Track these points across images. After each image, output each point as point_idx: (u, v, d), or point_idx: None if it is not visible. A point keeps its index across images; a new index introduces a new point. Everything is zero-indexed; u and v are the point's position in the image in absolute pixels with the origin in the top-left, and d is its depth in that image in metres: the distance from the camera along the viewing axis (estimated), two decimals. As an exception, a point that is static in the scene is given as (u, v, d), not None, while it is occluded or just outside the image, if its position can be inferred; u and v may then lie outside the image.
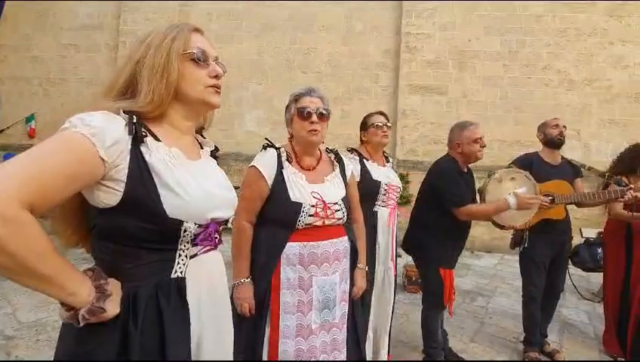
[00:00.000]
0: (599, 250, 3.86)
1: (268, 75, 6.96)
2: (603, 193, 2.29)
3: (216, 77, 0.87)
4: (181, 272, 0.80)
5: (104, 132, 0.71)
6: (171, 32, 0.84)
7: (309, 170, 1.54)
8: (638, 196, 2.14)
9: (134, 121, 0.76)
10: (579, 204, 2.51)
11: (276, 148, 1.51)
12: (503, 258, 5.36)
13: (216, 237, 0.89)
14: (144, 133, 0.77)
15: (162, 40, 0.83)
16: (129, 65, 0.82)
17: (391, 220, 2.08)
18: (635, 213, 2.25)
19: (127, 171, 0.73)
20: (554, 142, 2.57)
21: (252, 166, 1.49)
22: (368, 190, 1.96)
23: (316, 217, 1.41)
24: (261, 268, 1.42)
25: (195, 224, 0.80)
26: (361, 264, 1.64)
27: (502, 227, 2.21)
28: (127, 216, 0.74)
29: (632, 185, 2.21)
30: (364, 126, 2.15)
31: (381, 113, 2.16)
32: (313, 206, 1.41)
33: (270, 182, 1.44)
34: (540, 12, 6.17)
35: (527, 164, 2.53)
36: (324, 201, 1.44)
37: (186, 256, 0.81)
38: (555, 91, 6.12)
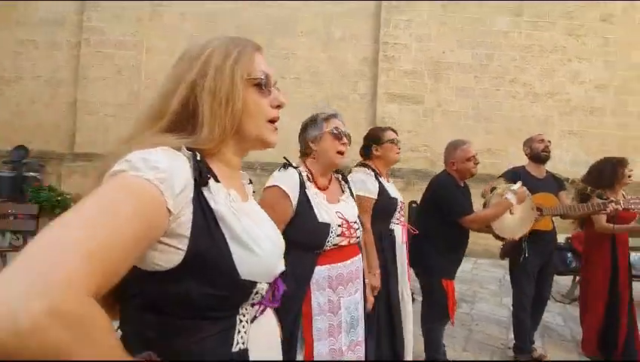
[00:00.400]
0: (569, 255, 4.16)
1: (244, 79, 6.80)
2: (587, 206, 2.45)
3: (279, 107, 0.76)
4: (243, 343, 0.66)
5: (173, 177, 0.56)
6: (233, 49, 0.70)
7: (324, 190, 1.53)
8: (619, 208, 2.32)
9: (198, 159, 0.64)
10: (563, 216, 2.67)
11: (295, 168, 1.47)
12: (476, 262, 5.58)
13: (276, 294, 0.75)
14: (208, 175, 0.64)
15: (224, 59, 0.68)
16: (182, 87, 0.66)
17: (404, 237, 2.10)
18: (616, 226, 2.43)
19: (191, 223, 0.58)
20: (540, 157, 2.72)
21: (274, 186, 1.40)
22: (386, 208, 1.96)
23: (343, 237, 1.41)
24: (289, 297, 1.36)
25: (267, 283, 0.68)
26: (372, 269, 1.76)
27: (502, 239, 2.31)
28: (189, 280, 0.58)
29: (613, 199, 2.38)
30: (378, 141, 2.10)
31: (391, 129, 2.17)
32: (340, 226, 1.41)
33: (295, 203, 1.38)
34: (507, 28, 6.55)
35: (515, 177, 2.66)
36: (347, 221, 1.45)
37: (247, 321, 0.67)
38: (522, 103, 6.51)
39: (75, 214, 0.48)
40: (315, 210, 1.38)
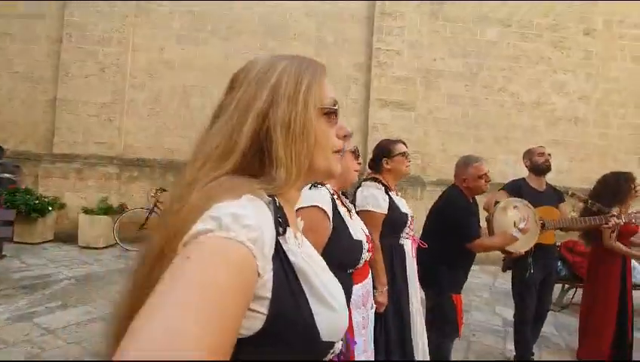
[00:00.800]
0: (559, 263, 4.24)
1: (235, 81, 6.65)
2: (588, 219, 2.50)
3: (345, 137, 0.69)
4: None
5: (263, 234, 0.49)
6: (304, 74, 0.61)
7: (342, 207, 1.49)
8: (620, 223, 2.37)
9: (278, 206, 0.56)
10: (564, 229, 2.71)
11: (323, 185, 1.41)
12: (466, 268, 5.65)
13: (350, 347, 0.70)
14: (287, 224, 0.56)
15: (296, 86, 0.60)
16: (250, 118, 0.57)
17: (414, 251, 2.07)
18: (624, 248, 2.54)
19: (272, 282, 0.50)
20: (541, 169, 2.74)
21: (313, 206, 1.29)
22: (396, 223, 1.92)
23: (369, 252, 1.43)
24: None
25: (341, 341, 0.61)
26: (381, 286, 1.76)
27: (510, 253, 2.31)
28: (267, 345, 0.50)
29: (614, 213, 2.43)
30: (389, 154, 2.05)
31: (401, 141, 2.13)
32: (367, 241, 1.42)
33: (331, 222, 1.34)
34: (496, 39, 6.69)
35: (516, 189, 2.68)
36: (367, 236, 1.46)
37: None
38: (509, 112, 6.66)
39: (182, 295, 0.40)
40: (349, 228, 1.37)
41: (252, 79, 0.60)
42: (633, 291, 2.90)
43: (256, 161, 0.57)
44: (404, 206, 2.06)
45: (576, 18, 6.75)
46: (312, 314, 0.54)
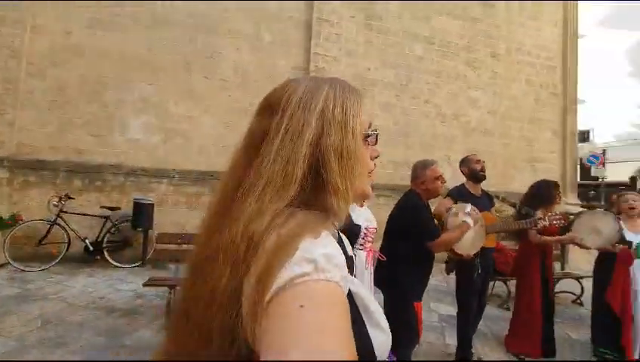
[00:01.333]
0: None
1: (160, 76, 6.04)
2: (521, 223, 2.80)
3: (376, 157, 0.69)
4: None
5: (345, 269, 0.51)
6: (347, 100, 0.61)
7: None
8: (546, 225, 2.71)
9: (339, 237, 0.60)
10: (500, 231, 2.99)
11: None
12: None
13: None
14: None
15: (342, 113, 0.59)
16: (305, 146, 0.55)
17: (369, 261, 2.05)
18: (547, 237, 2.92)
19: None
20: (478, 176, 2.99)
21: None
22: (348, 235, 1.87)
23: None
24: None
25: None
26: None
27: (460, 256, 2.45)
28: None
29: (541, 216, 2.77)
30: None
31: None
32: None
33: None
34: (422, 54, 7.26)
35: (461, 195, 2.88)
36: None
37: None
38: (433, 123, 7.26)
39: (313, 343, 0.40)
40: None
41: (297, 103, 0.58)
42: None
43: (312, 189, 0.56)
44: (360, 217, 2.05)
45: (485, 42, 7.69)
46: (370, 341, 0.55)
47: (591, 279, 3.24)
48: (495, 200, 3.20)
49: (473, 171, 2.99)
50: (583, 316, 4.38)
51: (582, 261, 5.92)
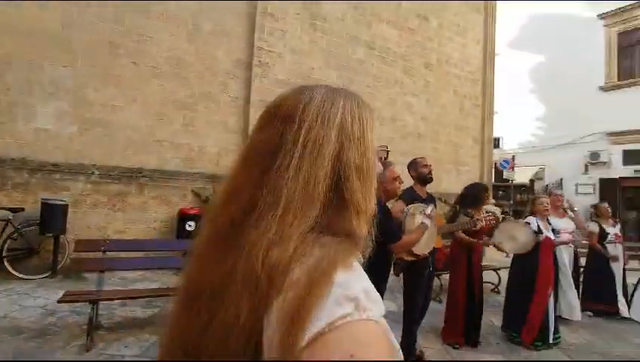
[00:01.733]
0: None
1: (78, 57, 5.26)
2: (464, 224, 2.99)
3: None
4: None
5: (382, 304, 0.48)
6: (363, 114, 0.58)
7: None
8: (483, 225, 2.95)
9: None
10: (444, 231, 3.17)
11: None
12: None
13: None
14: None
15: (360, 127, 0.56)
16: (326, 162, 0.51)
17: None
18: (473, 239, 3.21)
19: None
20: (425, 179, 3.12)
21: None
22: None
23: None
24: None
25: None
26: None
27: (417, 256, 2.52)
28: None
29: (478, 218, 2.99)
30: None
31: None
32: None
33: None
34: (363, 58, 7.46)
35: (412, 197, 2.98)
36: None
37: None
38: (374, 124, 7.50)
39: None
40: None
41: (314, 116, 0.54)
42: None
43: (332, 210, 0.52)
44: None
45: (420, 52, 8.20)
46: None
47: (506, 270, 3.72)
48: (437, 201, 3.38)
49: (421, 174, 3.12)
50: (501, 303, 4.91)
51: (498, 254, 6.65)
